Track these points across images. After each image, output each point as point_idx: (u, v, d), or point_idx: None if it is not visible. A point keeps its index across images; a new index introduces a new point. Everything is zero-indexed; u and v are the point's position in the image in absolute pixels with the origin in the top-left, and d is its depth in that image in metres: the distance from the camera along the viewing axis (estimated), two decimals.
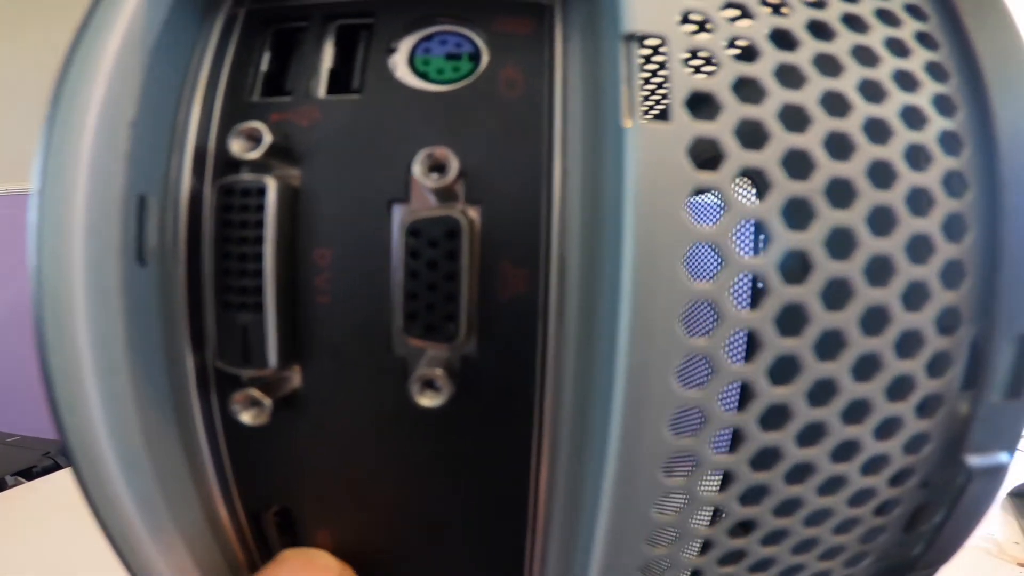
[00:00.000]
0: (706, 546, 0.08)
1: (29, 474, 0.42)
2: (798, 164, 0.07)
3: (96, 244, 0.08)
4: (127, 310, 0.08)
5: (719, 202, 0.07)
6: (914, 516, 0.08)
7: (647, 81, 0.09)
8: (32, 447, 0.47)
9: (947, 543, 0.08)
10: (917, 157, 0.07)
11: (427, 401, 0.08)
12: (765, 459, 0.07)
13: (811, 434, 0.07)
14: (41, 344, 0.08)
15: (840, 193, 0.07)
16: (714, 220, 0.07)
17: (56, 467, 0.44)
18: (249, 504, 0.10)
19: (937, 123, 0.08)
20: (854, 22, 0.08)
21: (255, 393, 0.09)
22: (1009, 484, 0.33)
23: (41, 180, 0.08)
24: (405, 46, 0.10)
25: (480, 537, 0.09)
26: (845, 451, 0.07)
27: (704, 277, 0.07)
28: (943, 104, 0.08)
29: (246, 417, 0.09)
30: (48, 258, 0.08)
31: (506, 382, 0.09)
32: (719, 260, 0.07)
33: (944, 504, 0.08)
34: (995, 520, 0.28)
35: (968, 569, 0.24)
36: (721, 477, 0.08)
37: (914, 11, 0.09)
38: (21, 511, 0.33)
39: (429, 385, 0.08)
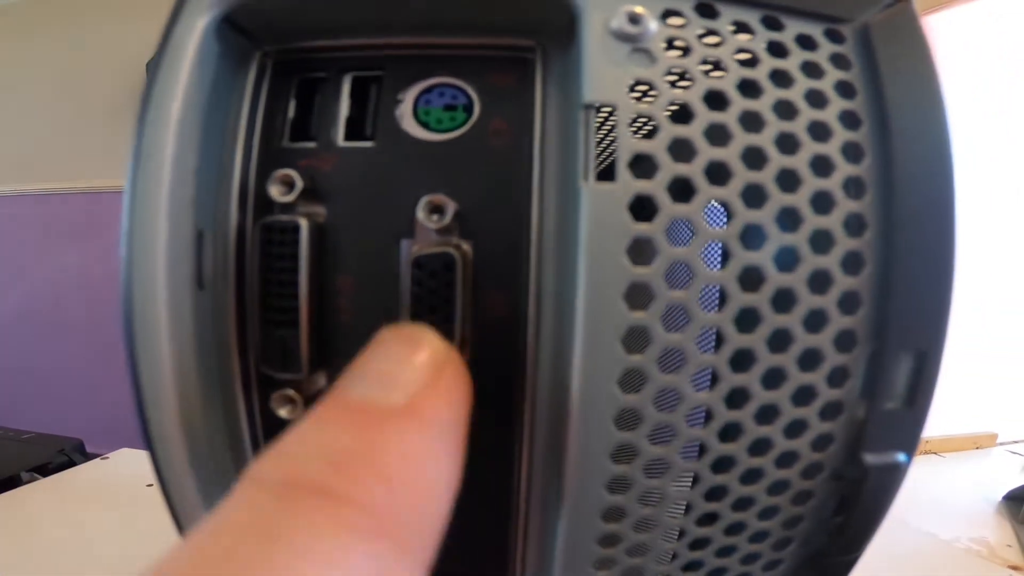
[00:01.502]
0: (652, 527, 0.11)
1: (44, 470, 0.45)
2: (720, 214, 0.10)
3: (174, 275, 0.11)
4: (195, 326, 0.12)
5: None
6: (837, 507, 0.11)
7: (605, 136, 0.12)
8: (47, 444, 0.50)
9: (856, 532, 0.11)
10: (822, 202, 0.10)
11: None
12: (693, 451, 0.10)
13: (730, 432, 0.10)
14: (132, 354, 0.12)
15: (753, 237, 0.10)
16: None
17: (71, 464, 0.47)
18: None
19: (844, 170, 0.10)
20: (780, 77, 0.11)
21: (290, 393, 0.12)
22: (1003, 488, 0.34)
23: (129, 223, 0.12)
24: (410, 97, 0.13)
25: (473, 516, 0.12)
26: (759, 447, 0.10)
27: (643, 306, 0.10)
28: (852, 151, 0.10)
29: (283, 412, 0.12)
30: (137, 286, 0.11)
31: (494, 386, 0.12)
32: (651, 295, 0.10)
33: (852, 497, 0.10)
34: (989, 523, 0.30)
35: (960, 572, 0.25)
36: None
37: (838, 60, 0.11)
38: (36, 507, 0.35)
39: None
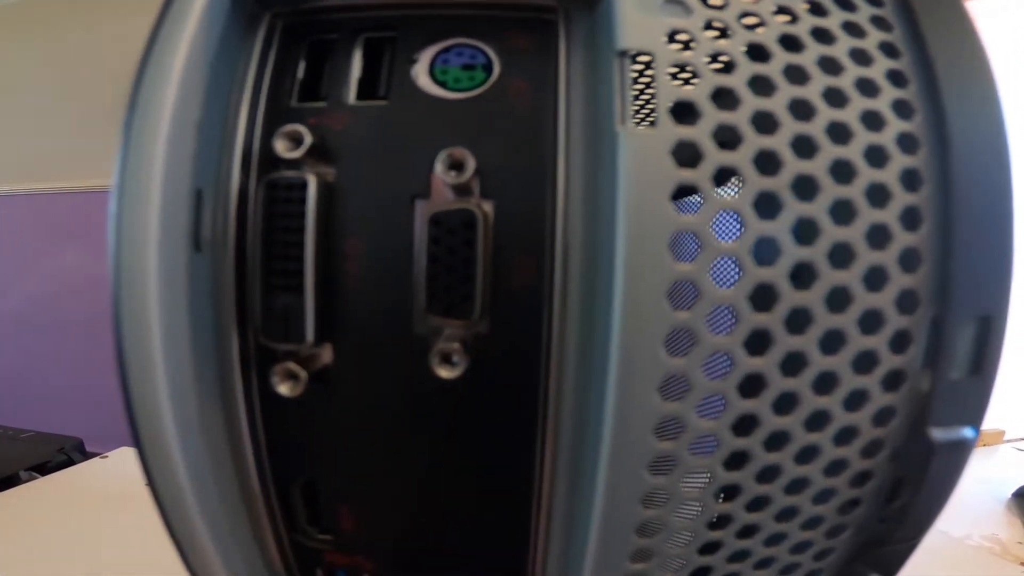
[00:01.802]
0: (697, 511, 0.10)
1: (43, 469, 0.45)
2: (768, 162, 0.09)
3: (167, 233, 0.10)
4: (189, 292, 0.11)
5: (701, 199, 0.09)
6: (892, 491, 0.10)
7: (640, 93, 0.11)
8: (46, 443, 0.50)
9: (918, 517, 0.10)
10: (876, 156, 0.09)
11: (445, 373, 0.10)
12: (744, 426, 0.09)
13: (785, 403, 0.09)
14: (117, 317, 0.10)
15: (805, 187, 0.09)
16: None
17: (70, 463, 0.47)
18: (279, 476, 0.12)
19: (895, 125, 0.10)
20: (822, 35, 0.10)
21: (292, 366, 0.11)
22: (1012, 485, 0.33)
23: (121, 176, 0.11)
24: (426, 57, 0.13)
25: (490, 499, 0.11)
26: (817, 421, 0.09)
27: (688, 260, 0.09)
28: (902, 108, 0.10)
29: (284, 388, 0.11)
30: (127, 244, 0.10)
31: (515, 357, 0.11)
32: (699, 245, 0.09)
33: (914, 478, 0.09)
34: (999, 520, 0.29)
35: (972, 569, 0.25)
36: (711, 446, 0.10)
37: (879, 22, 0.11)
38: (35, 506, 0.35)
39: (447, 359, 0.10)
